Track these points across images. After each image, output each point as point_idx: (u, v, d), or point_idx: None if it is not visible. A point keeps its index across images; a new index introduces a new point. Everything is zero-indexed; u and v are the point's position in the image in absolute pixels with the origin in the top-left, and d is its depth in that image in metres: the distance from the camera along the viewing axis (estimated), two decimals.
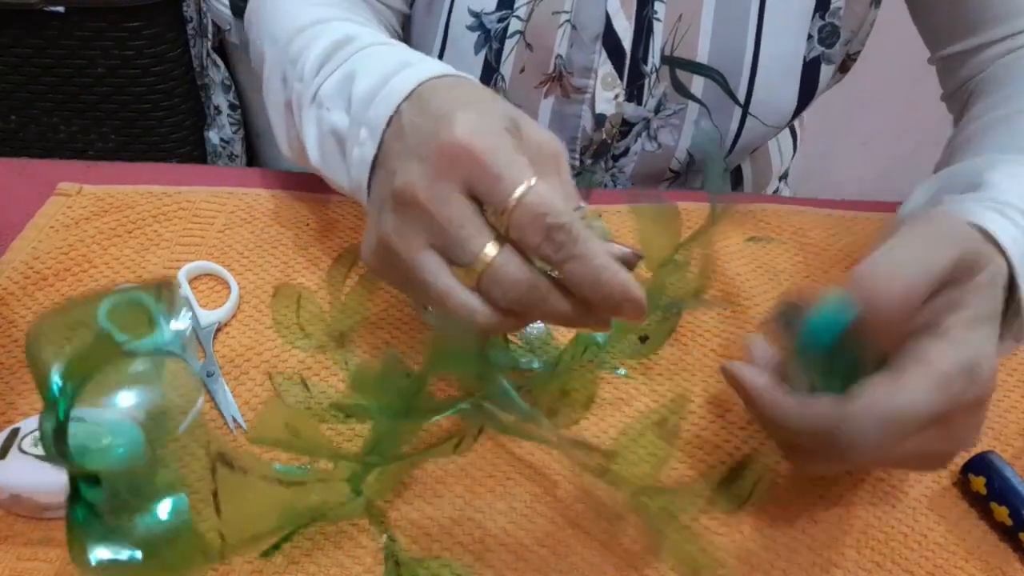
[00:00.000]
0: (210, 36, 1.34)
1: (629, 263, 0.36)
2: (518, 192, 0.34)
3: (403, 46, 0.49)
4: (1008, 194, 0.43)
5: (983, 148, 0.52)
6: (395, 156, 0.39)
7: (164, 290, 0.36)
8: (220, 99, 1.39)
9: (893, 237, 0.38)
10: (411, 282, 0.37)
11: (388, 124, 0.41)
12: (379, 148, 0.41)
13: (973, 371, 0.35)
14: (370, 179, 0.42)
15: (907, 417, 0.35)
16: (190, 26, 1.31)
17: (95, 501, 0.32)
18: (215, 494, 0.34)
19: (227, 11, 1.32)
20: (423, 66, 0.42)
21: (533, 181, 0.34)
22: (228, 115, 1.40)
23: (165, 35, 1.28)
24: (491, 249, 0.35)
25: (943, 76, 0.67)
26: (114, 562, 0.31)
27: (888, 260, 0.36)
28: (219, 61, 1.37)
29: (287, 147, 0.55)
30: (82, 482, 0.32)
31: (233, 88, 1.40)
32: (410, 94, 0.40)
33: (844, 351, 0.36)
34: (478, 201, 0.35)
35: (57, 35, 1.24)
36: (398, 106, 0.40)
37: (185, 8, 1.29)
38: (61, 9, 1.22)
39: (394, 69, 0.43)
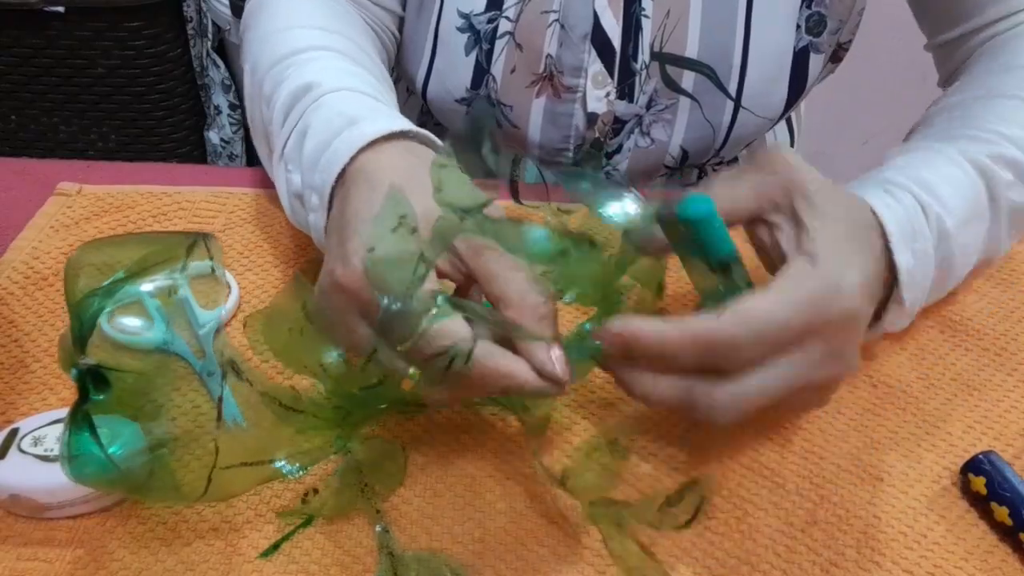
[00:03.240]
0: (210, 36, 1.34)
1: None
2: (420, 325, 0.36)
3: (362, 86, 0.51)
4: (900, 175, 0.46)
5: (919, 137, 0.54)
6: (337, 233, 0.41)
7: (199, 243, 0.39)
8: (220, 99, 1.39)
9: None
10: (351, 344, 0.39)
11: (332, 195, 0.44)
12: (328, 218, 0.45)
13: (837, 286, 0.38)
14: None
15: (775, 322, 0.36)
16: (190, 26, 1.31)
17: (98, 404, 0.35)
18: (220, 401, 0.37)
19: (227, 11, 1.32)
20: (363, 126, 0.45)
21: (433, 312, 0.36)
22: (228, 115, 1.40)
23: (165, 35, 1.28)
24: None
25: (939, 63, 0.67)
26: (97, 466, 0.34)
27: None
28: (219, 61, 1.37)
29: (273, 176, 0.55)
30: (92, 385, 0.35)
31: (233, 88, 1.40)
32: (353, 159, 0.44)
33: (716, 251, 0.40)
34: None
35: (57, 35, 1.24)
36: (345, 171, 0.44)
37: (185, 8, 1.29)
38: (61, 9, 1.22)
39: (337, 130, 0.46)
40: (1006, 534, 0.42)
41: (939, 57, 0.66)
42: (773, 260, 0.42)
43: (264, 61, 0.55)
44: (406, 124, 0.46)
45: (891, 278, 0.44)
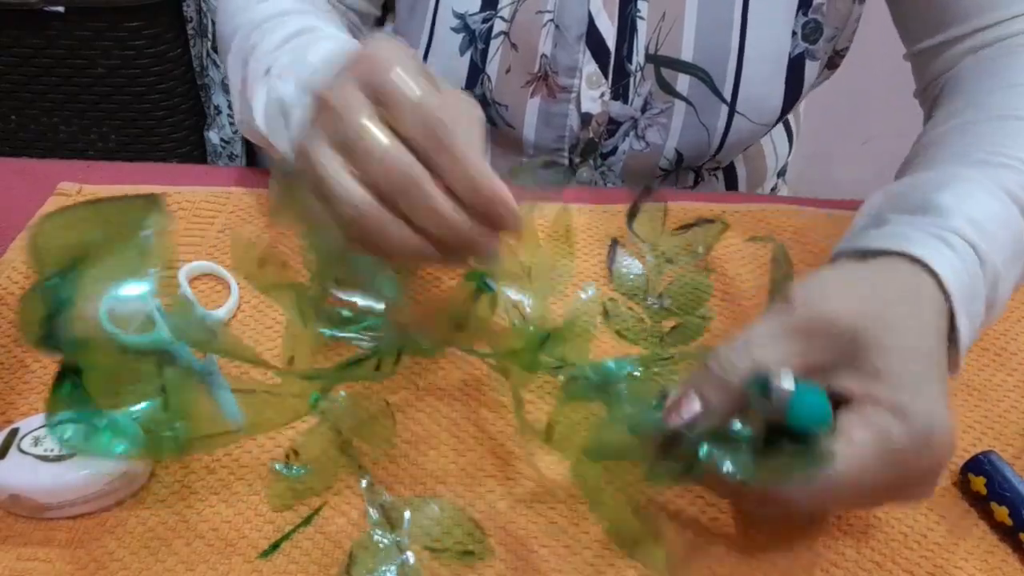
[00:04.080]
0: (210, 36, 1.34)
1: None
2: (415, 95, 0.36)
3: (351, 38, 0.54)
4: (955, 219, 0.42)
5: (939, 159, 0.50)
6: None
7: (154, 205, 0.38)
8: (220, 99, 1.39)
9: (761, 321, 0.38)
10: (313, 182, 0.38)
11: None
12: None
13: (927, 443, 0.35)
14: None
15: (861, 487, 0.35)
16: (190, 26, 1.31)
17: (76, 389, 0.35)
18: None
19: None
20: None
21: (425, 89, 0.36)
22: (228, 115, 1.40)
23: (165, 35, 1.28)
24: (375, 127, 0.36)
25: (916, 72, 0.66)
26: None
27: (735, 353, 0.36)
28: (219, 61, 1.37)
29: (239, 119, 0.58)
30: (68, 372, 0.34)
31: None
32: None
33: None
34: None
35: (57, 35, 1.24)
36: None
37: (185, 8, 1.29)
38: (61, 9, 1.21)
39: (341, 47, 0.49)
40: (1006, 534, 0.42)
41: (917, 65, 0.65)
42: (837, 395, 0.37)
43: (253, 20, 0.57)
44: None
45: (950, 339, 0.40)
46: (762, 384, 0.35)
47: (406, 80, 0.36)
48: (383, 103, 0.37)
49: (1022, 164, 0.46)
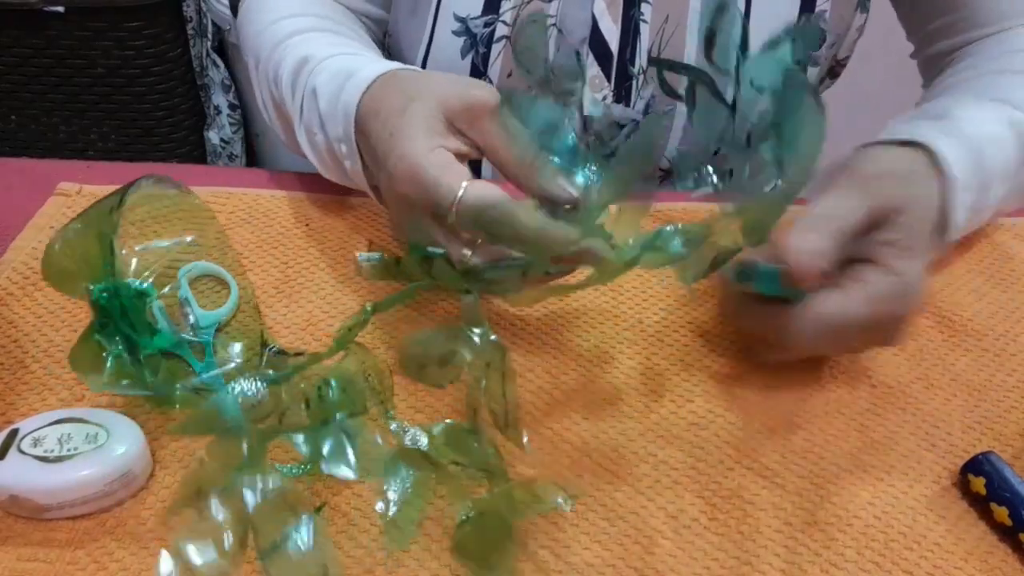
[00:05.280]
0: (210, 36, 1.34)
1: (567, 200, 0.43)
2: (455, 205, 0.42)
3: (347, 51, 0.57)
4: (966, 125, 0.51)
5: (953, 95, 0.58)
6: (373, 163, 0.49)
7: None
8: (220, 99, 1.39)
9: (823, 192, 0.46)
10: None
11: (355, 133, 0.50)
12: (360, 156, 0.51)
13: (903, 294, 0.44)
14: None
15: (844, 323, 0.44)
16: (190, 26, 1.31)
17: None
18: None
19: (227, 11, 1.32)
20: (358, 76, 0.51)
21: (460, 191, 0.42)
22: (228, 115, 1.40)
23: (165, 35, 1.28)
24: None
25: (925, 71, 0.69)
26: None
27: (806, 222, 0.44)
28: (219, 61, 1.37)
29: (270, 122, 0.63)
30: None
31: (233, 88, 1.40)
32: (359, 105, 0.49)
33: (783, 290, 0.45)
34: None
35: (57, 35, 1.24)
36: (354, 119, 0.50)
37: (185, 8, 1.29)
38: (61, 9, 1.21)
39: (340, 85, 0.51)
40: (1006, 534, 0.42)
41: (925, 66, 0.69)
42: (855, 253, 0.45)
43: (264, 49, 0.60)
44: (393, 65, 0.52)
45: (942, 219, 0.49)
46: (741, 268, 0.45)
47: (451, 194, 0.42)
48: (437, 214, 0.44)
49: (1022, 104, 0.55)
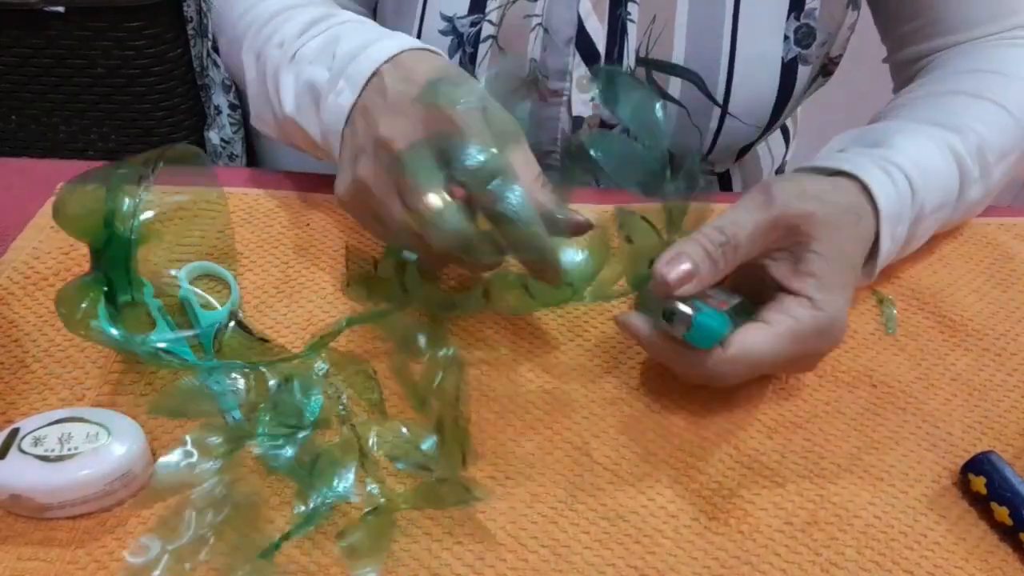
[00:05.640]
0: (210, 36, 1.34)
1: (579, 228, 0.44)
2: (483, 156, 0.41)
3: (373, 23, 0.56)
4: (901, 156, 0.50)
5: (902, 116, 0.57)
6: (379, 110, 0.46)
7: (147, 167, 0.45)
8: (220, 99, 1.39)
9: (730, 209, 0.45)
10: (377, 218, 0.45)
11: (368, 81, 0.47)
12: (357, 99, 0.48)
13: (828, 331, 0.44)
14: (343, 128, 0.49)
15: (768, 358, 0.43)
16: (190, 26, 1.31)
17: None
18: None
19: None
20: (403, 38, 0.50)
21: (495, 150, 0.41)
22: (228, 115, 1.40)
23: (165, 35, 1.28)
24: (436, 201, 0.41)
25: (896, 76, 0.69)
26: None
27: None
28: (219, 61, 1.37)
29: (255, 115, 0.60)
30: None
31: (233, 88, 1.40)
32: (391, 59, 0.47)
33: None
34: (446, 163, 0.42)
35: (57, 35, 1.24)
36: (379, 67, 0.47)
37: (185, 8, 1.29)
38: (61, 9, 1.22)
39: (376, 37, 0.50)
40: (1006, 534, 0.42)
41: (896, 70, 0.69)
42: (765, 284, 0.45)
43: (264, 15, 0.58)
44: (435, 48, 0.51)
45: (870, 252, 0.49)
46: (669, 313, 0.42)
47: (483, 149, 0.41)
48: (455, 162, 0.42)
49: (969, 131, 0.54)
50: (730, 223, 0.43)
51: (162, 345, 0.45)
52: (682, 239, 0.43)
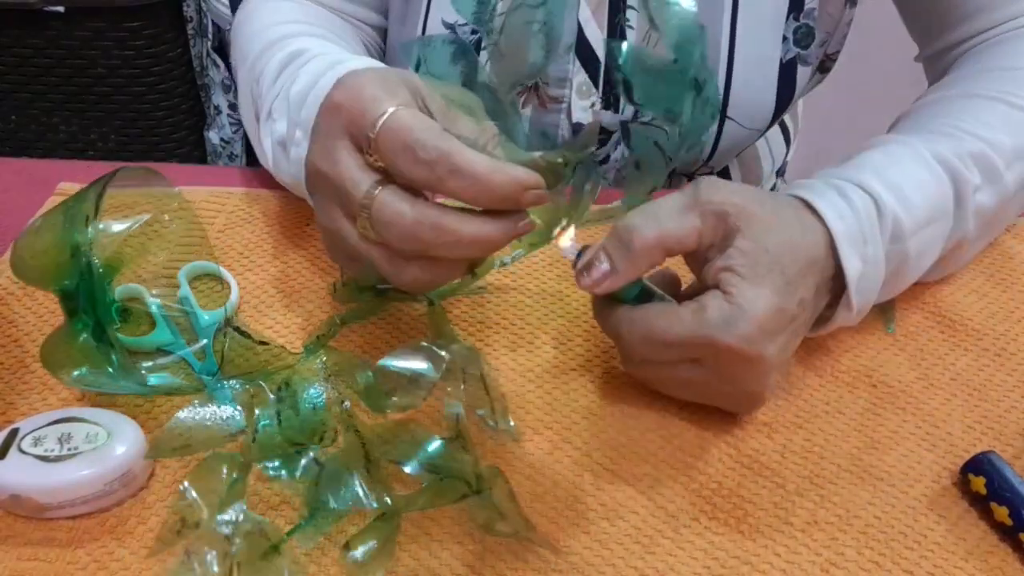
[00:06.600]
0: (210, 36, 1.34)
1: (539, 167, 0.40)
2: (380, 121, 0.37)
3: (342, 51, 0.54)
4: (864, 174, 0.47)
5: (899, 128, 0.55)
6: (312, 148, 0.42)
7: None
8: (220, 99, 1.39)
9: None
10: (350, 256, 0.41)
11: (316, 124, 0.44)
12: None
13: (730, 320, 0.41)
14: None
15: (663, 335, 0.42)
16: (190, 26, 1.31)
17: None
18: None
19: (227, 11, 1.32)
20: (348, 63, 0.47)
21: (391, 109, 0.37)
22: (228, 115, 1.40)
23: (165, 35, 1.28)
24: (373, 189, 0.38)
25: (929, 73, 0.67)
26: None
27: (634, 221, 0.43)
28: (219, 61, 1.37)
29: (260, 157, 0.58)
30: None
31: (233, 88, 1.40)
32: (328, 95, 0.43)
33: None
34: (362, 152, 0.39)
35: (57, 35, 1.24)
36: (321, 109, 0.43)
37: (185, 8, 1.29)
38: (61, 9, 1.22)
39: (322, 71, 0.48)
40: (1006, 534, 0.42)
41: (929, 69, 0.67)
42: (698, 279, 0.45)
43: (256, 48, 0.58)
44: (383, 66, 0.48)
45: (839, 282, 0.45)
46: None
47: (376, 114, 0.37)
48: (362, 143, 0.38)
49: (972, 137, 0.50)
50: (654, 211, 0.43)
51: (162, 374, 0.45)
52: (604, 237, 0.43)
